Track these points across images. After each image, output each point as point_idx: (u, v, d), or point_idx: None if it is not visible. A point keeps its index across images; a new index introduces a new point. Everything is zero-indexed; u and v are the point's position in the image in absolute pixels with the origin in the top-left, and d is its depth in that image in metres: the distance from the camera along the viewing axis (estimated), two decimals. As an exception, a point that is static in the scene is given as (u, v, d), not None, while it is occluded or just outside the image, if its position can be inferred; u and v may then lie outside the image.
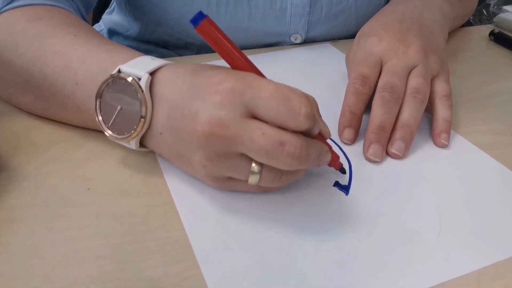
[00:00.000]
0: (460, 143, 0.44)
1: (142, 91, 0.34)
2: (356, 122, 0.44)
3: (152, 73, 0.35)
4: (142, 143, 0.37)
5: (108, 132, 0.36)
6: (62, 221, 0.34)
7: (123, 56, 0.37)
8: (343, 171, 0.39)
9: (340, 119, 0.45)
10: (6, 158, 0.39)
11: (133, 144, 0.36)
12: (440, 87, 0.46)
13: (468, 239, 0.34)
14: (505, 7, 0.76)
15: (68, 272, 0.30)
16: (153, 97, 0.35)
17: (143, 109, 0.34)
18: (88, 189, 0.37)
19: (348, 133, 0.43)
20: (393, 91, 0.43)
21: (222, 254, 0.32)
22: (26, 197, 0.36)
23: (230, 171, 0.33)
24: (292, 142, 0.31)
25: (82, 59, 0.38)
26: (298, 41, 0.64)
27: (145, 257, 0.31)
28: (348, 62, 0.52)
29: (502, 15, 0.74)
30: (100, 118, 0.37)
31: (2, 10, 0.43)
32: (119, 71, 0.35)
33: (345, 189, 0.38)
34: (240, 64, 0.33)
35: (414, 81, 0.44)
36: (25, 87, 0.42)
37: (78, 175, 0.38)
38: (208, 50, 0.64)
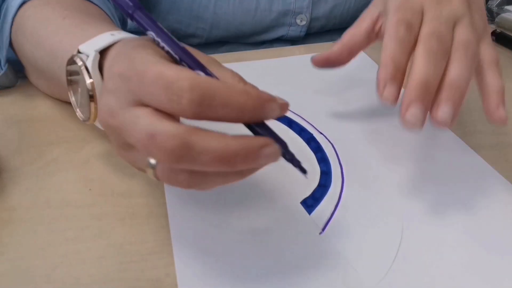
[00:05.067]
0: (457, 144, 0.44)
1: (88, 71, 0.32)
2: (400, 77, 0.34)
3: (108, 48, 0.33)
4: None
5: (79, 114, 0.35)
6: (64, 222, 0.34)
7: (93, 33, 0.35)
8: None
9: (380, 72, 0.34)
10: (8, 159, 0.39)
11: (100, 126, 0.34)
12: (487, 50, 0.38)
13: (466, 238, 0.34)
14: (507, 7, 0.76)
15: (69, 273, 0.30)
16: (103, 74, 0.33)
17: (91, 90, 0.32)
18: (90, 189, 0.37)
19: (391, 89, 0.33)
20: (441, 42, 0.35)
21: (201, 258, 0.31)
22: (27, 197, 0.36)
23: (134, 163, 0.30)
24: (164, 134, 0.25)
25: (60, 39, 0.39)
26: (303, 23, 0.67)
27: (146, 258, 0.31)
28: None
29: (504, 15, 0.74)
30: (72, 99, 0.36)
31: None
32: (78, 51, 0.34)
33: (309, 207, 0.35)
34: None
35: (464, 34, 0.36)
36: (34, 70, 0.46)
37: (79, 176, 0.38)
38: (215, 39, 0.66)
